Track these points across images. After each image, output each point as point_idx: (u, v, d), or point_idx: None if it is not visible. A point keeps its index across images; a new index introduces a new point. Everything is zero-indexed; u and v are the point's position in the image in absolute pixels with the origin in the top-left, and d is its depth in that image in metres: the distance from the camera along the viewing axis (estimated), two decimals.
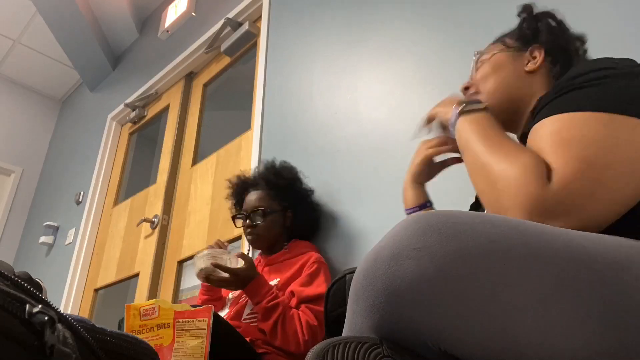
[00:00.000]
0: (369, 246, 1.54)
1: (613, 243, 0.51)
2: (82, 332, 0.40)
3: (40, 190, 4.06)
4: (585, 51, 0.91)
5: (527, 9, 0.93)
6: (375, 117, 1.69)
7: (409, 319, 0.47)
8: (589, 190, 0.57)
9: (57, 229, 3.45)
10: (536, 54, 0.88)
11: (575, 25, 0.92)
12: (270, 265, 1.53)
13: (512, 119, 0.87)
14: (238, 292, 1.47)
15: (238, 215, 1.61)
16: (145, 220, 2.64)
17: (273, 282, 1.41)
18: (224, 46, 2.60)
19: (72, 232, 3.24)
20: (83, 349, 0.39)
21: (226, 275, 1.27)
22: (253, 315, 1.36)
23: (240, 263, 1.31)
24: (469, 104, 0.77)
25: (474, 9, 1.53)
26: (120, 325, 1.20)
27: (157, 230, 2.59)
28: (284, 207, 1.59)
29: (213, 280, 1.29)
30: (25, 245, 3.82)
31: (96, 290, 2.91)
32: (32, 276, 0.46)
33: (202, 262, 1.29)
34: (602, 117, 0.61)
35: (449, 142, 0.99)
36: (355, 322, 0.53)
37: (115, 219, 3.05)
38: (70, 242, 3.20)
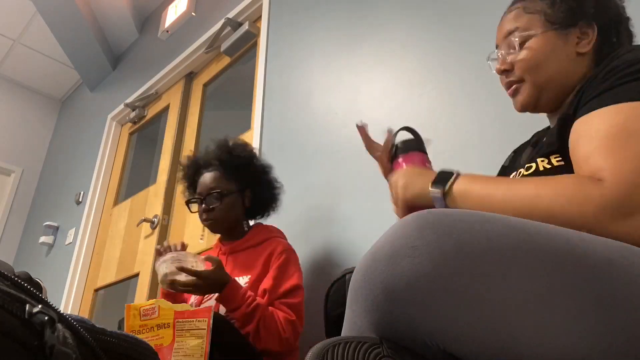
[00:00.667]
0: (369, 246, 1.53)
1: (610, 243, 0.51)
2: (82, 332, 0.40)
3: (40, 190, 4.06)
4: (629, 20, 0.83)
5: None
6: (375, 117, 1.69)
7: (407, 318, 0.47)
8: None
9: (57, 229, 3.45)
10: (587, 31, 0.79)
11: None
12: (234, 253, 1.46)
13: (557, 103, 0.82)
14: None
15: (192, 199, 1.51)
16: (145, 220, 2.64)
17: (243, 279, 1.36)
18: (224, 46, 2.60)
19: (72, 232, 3.24)
20: (83, 349, 0.39)
21: (193, 278, 1.17)
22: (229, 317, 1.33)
23: (202, 266, 1.22)
24: (443, 179, 0.71)
25: (474, 9, 1.53)
26: (120, 325, 1.20)
27: (157, 230, 2.59)
28: (241, 187, 1.50)
29: (177, 286, 1.19)
30: (25, 245, 3.82)
31: (96, 291, 2.91)
32: (32, 276, 0.46)
33: (165, 267, 1.18)
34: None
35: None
36: (354, 321, 0.53)
37: (115, 219, 3.05)
38: (70, 242, 3.20)
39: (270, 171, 1.60)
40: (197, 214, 1.51)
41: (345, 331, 0.55)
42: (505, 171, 0.97)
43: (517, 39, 0.81)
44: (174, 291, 1.28)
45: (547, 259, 0.47)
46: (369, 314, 0.50)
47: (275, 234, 1.50)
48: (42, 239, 3.39)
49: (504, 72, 0.84)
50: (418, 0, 1.73)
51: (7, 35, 3.80)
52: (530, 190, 0.61)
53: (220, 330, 1.11)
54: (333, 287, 1.12)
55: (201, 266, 1.22)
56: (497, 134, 1.32)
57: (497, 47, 0.88)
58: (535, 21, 0.81)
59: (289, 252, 1.40)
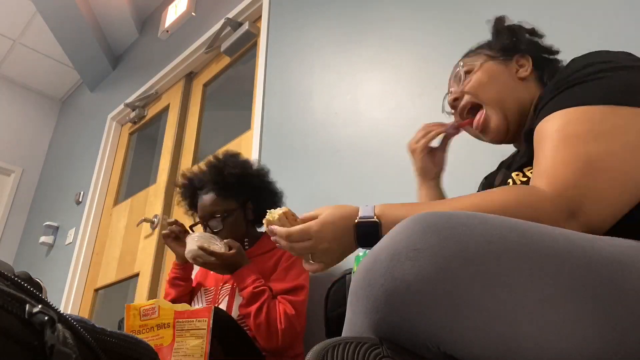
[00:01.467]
0: None
1: (609, 242, 0.51)
2: (82, 332, 0.40)
3: (40, 190, 4.06)
4: (557, 57, 0.92)
5: (501, 21, 0.94)
6: (375, 117, 1.69)
7: (408, 320, 0.47)
8: (599, 185, 0.58)
9: (57, 229, 3.45)
10: (523, 62, 0.88)
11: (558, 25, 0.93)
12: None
13: (520, 123, 0.86)
14: (213, 287, 1.46)
15: (195, 226, 1.54)
16: (145, 220, 2.64)
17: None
18: (224, 46, 2.60)
19: (72, 232, 3.24)
20: (83, 349, 0.39)
21: (212, 258, 1.28)
22: (240, 319, 1.34)
23: (224, 249, 1.32)
24: (364, 224, 0.67)
25: (474, 9, 1.53)
26: (120, 325, 1.20)
27: (157, 230, 2.59)
28: (241, 202, 1.49)
29: (199, 261, 1.31)
30: (25, 245, 3.82)
31: (96, 290, 2.91)
32: (32, 276, 0.46)
33: (192, 244, 1.31)
34: (607, 109, 0.62)
35: (433, 127, 1.00)
36: (354, 322, 0.53)
37: (115, 219, 3.05)
38: (70, 242, 3.20)
39: (265, 175, 1.57)
40: None
41: (346, 332, 0.55)
42: None
43: (463, 73, 0.90)
44: (196, 265, 1.36)
45: (551, 260, 0.47)
46: (369, 315, 0.50)
47: None
48: (42, 239, 3.39)
49: (455, 102, 0.91)
50: (418, 0, 1.73)
51: (7, 35, 3.80)
52: (476, 199, 0.63)
53: (226, 328, 1.12)
54: (333, 287, 1.12)
55: (223, 248, 1.31)
56: None
57: (448, 91, 0.96)
58: (477, 58, 0.91)
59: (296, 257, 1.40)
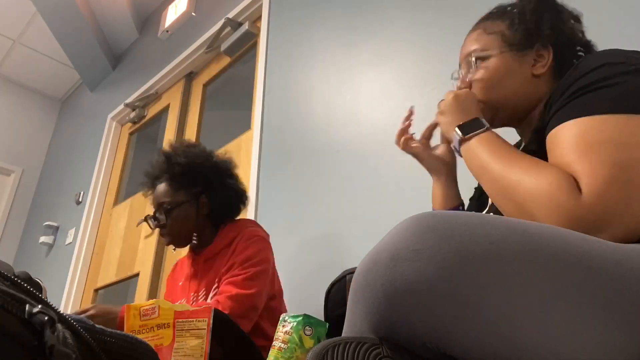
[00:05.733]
0: (369, 247, 1.53)
1: (609, 244, 0.51)
2: (82, 332, 0.40)
3: (40, 190, 4.06)
4: (586, 39, 0.85)
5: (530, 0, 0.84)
6: (375, 118, 1.69)
7: (407, 320, 0.47)
8: (626, 196, 0.55)
9: (57, 229, 3.45)
10: (543, 53, 0.81)
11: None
12: (208, 260, 1.38)
13: (512, 121, 0.86)
14: (183, 300, 1.37)
15: (146, 217, 1.43)
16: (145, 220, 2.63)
17: (215, 288, 1.30)
18: (224, 46, 2.60)
19: (72, 232, 3.24)
20: (83, 349, 0.39)
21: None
22: None
23: None
24: (471, 127, 0.74)
25: (474, 9, 1.53)
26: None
27: (157, 230, 2.58)
28: (193, 195, 1.37)
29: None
30: (25, 245, 3.82)
31: (96, 290, 2.91)
32: (32, 276, 0.46)
33: None
34: (623, 118, 0.60)
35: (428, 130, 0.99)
36: (354, 322, 0.53)
37: (115, 219, 3.05)
38: (70, 242, 3.20)
39: (224, 168, 1.44)
40: None
41: (346, 332, 0.55)
42: (478, 192, 0.98)
43: (474, 59, 0.84)
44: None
45: (551, 261, 0.47)
46: (369, 316, 0.50)
47: (246, 226, 1.37)
48: (42, 239, 3.39)
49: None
50: (418, 0, 1.73)
51: (7, 35, 3.80)
52: (511, 177, 0.64)
53: (225, 329, 1.11)
54: (333, 288, 1.12)
55: None
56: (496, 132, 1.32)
57: (459, 66, 0.91)
58: (493, 42, 0.84)
59: (257, 238, 1.31)
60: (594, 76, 0.64)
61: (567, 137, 0.62)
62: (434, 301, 0.45)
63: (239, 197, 1.45)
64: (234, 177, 1.46)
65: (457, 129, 0.76)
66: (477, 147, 0.72)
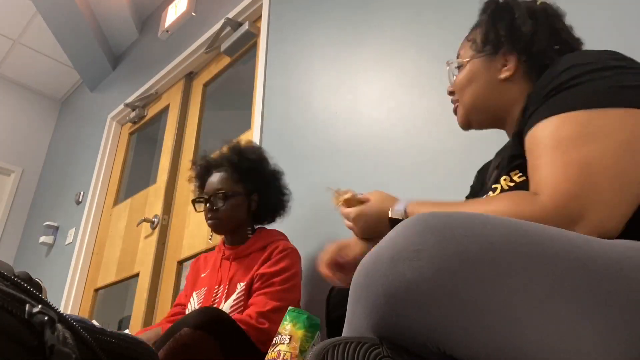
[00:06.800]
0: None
1: (607, 243, 0.51)
2: (82, 332, 0.40)
3: (40, 190, 4.06)
4: (566, 36, 0.84)
5: (490, 5, 0.88)
6: (375, 118, 1.69)
7: (408, 320, 0.47)
8: (590, 190, 0.57)
9: (57, 229, 3.45)
10: (508, 59, 0.83)
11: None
12: (237, 258, 1.47)
13: (493, 122, 0.89)
14: (205, 289, 1.45)
15: (198, 199, 1.53)
16: (145, 220, 2.64)
17: (241, 284, 1.38)
18: (224, 46, 2.60)
19: (72, 232, 3.24)
20: (83, 349, 0.39)
21: None
22: (235, 307, 1.34)
23: None
24: (397, 211, 0.79)
25: (474, 9, 1.53)
26: (120, 325, 1.20)
27: (157, 230, 2.59)
28: (248, 191, 1.50)
29: None
30: (25, 245, 3.82)
31: (96, 290, 2.91)
32: (32, 276, 0.46)
33: None
34: (593, 113, 0.62)
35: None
36: (355, 322, 0.53)
37: (115, 219, 3.05)
38: (70, 242, 3.20)
39: (280, 177, 1.59)
40: (202, 218, 1.54)
41: (346, 332, 0.55)
42: (473, 192, 1.02)
43: (453, 67, 0.92)
44: None
45: (551, 261, 0.47)
46: (370, 316, 0.50)
47: (278, 237, 1.49)
48: (42, 239, 3.39)
49: (450, 94, 0.94)
50: (418, 1, 1.73)
51: (7, 35, 3.80)
52: (479, 207, 0.66)
53: (225, 328, 1.12)
54: (334, 289, 1.12)
55: None
56: (496, 133, 1.32)
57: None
58: (468, 49, 0.90)
59: (291, 250, 1.41)
60: (563, 77, 0.66)
61: (540, 138, 0.65)
62: (434, 301, 0.45)
63: (283, 209, 1.58)
64: (286, 190, 1.61)
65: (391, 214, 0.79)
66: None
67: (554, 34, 0.83)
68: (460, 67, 0.90)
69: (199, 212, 1.53)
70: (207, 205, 1.48)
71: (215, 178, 1.50)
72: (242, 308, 1.33)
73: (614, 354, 0.45)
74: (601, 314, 0.45)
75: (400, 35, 1.73)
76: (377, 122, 1.67)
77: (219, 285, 1.44)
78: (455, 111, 0.92)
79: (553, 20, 0.84)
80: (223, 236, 1.57)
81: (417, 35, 1.67)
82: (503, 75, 0.84)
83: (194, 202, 1.54)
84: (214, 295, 1.42)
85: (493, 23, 0.86)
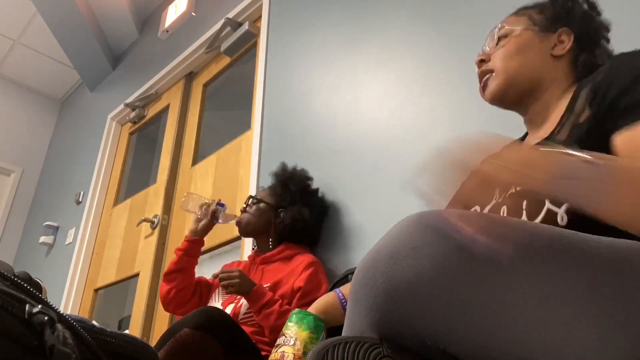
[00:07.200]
0: (369, 246, 1.52)
1: (609, 242, 0.51)
2: (82, 332, 0.40)
3: (40, 190, 4.06)
4: (607, 39, 0.87)
5: None
6: (375, 117, 1.68)
7: (408, 318, 0.47)
8: None
9: (57, 229, 3.45)
10: (564, 38, 0.83)
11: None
12: (265, 263, 1.53)
13: (524, 100, 0.85)
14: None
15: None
16: (145, 220, 2.64)
17: (267, 285, 1.42)
18: (224, 46, 2.60)
19: (72, 232, 3.24)
20: (83, 349, 0.39)
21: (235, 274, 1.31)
22: (249, 316, 1.36)
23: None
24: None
25: (474, 9, 1.53)
26: (120, 325, 1.20)
27: (157, 230, 2.59)
28: (276, 204, 1.59)
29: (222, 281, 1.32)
30: (25, 245, 3.82)
31: (96, 290, 2.91)
32: (32, 276, 0.46)
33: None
34: None
35: None
36: (355, 321, 0.53)
37: (115, 219, 3.05)
38: (70, 242, 3.20)
39: (314, 205, 1.62)
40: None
41: (346, 331, 0.55)
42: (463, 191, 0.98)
43: (498, 32, 0.87)
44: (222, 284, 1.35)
45: (550, 260, 0.47)
46: (370, 314, 0.50)
47: (304, 250, 1.55)
48: (42, 239, 3.39)
49: (481, 62, 0.88)
50: (418, 0, 1.73)
51: (7, 35, 3.80)
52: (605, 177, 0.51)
53: (225, 328, 1.12)
54: (335, 287, 1.12)
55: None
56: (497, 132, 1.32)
57: (482, 48, 0.93)
58: (519, 21, 0.87)
59: (317, 264, 1.45)
60: None
61: None
62: (433, 298, 0.45)
63: (307, 233, 1.58)
64: (317, 216, 1.63)
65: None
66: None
67: (606, 40, 0.86)
68: (506, 36, 0.86)
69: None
70: (244, 206, 1.61)
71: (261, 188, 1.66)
72: None
73: (614, 354, 0.45)
74: (601, 313, 0.45)
75: (400, 35, 1.73)
76: (377, 122, 1.67)
77: None
78: (484, 82, 0.86)
79: (608, 29, 0.87)
80: (255, 246, 1.66)
81: (418, 35, 1.67)
82: (556, 52, 0.83)
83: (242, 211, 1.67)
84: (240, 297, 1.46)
85: (565, 2, 0.86)
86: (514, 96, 0.84)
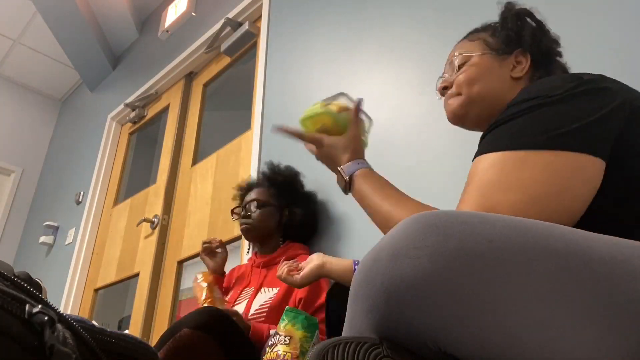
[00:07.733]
0: (369, 246, 1.52)
1: (609, 241, 0.51)
2: (82, 332, 0.40)
3: (40, 190, 4.06)
4: (560, 53, 0.90)
5: (509, 8, 0.90)
6: (376, 117, 1.68)
7: (408, 319, 0.47)
8: None
9: (57, 229, 3.45)
10: (521, 59, 0.86)
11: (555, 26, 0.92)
12: (267, 266, 1.53)
13: (487, 120, 0.86)
14: (252, 288, 1.48)
15: (235, 208, 1.68)
16: (145, 220, 2.64)
17: (272, 290, 1.42)
18: (224, 46, 2.60)
19: (72, 232, 3.24)
20: (83, 349, 0.39)
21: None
22: (260, 312, 1.36)
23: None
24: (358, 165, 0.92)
25: (474, 9, 1.53)
26: (120, 325, 1.20)
27: (157, 230, 2.59)
28: (280, 204, 1.60)
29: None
30: (25, 245, 3.82)
31: (96, 290, 2.91)
32: (32, 276, 0.46)
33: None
34: (519, 156, 0.62)
35: None
36: (355, 322, 0.53)
37: (115, 219, 3.05)
38: (70, 242, 3.20)
39: (312, 198, 1.68)
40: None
41: (346, 331, 0.55)
42: None
43: (457, 60, 0.89)
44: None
45: (551, 260, 0.47)
46: (369, 314, 0.50)
47: (306, 251, 1.56)
48: (42, 239, 3.39)
49: (444, 90, 0.91)
50: (418, 0, 1.73)
51: (7, 35, 3.80)
52: (388, 209, 0.81)
53: (225, 328, 1.12)
54: (335, 288, 1.12)
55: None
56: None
57: (442, 76, 0.95)
58: (476, 46, 0.90)
59: None
60: (511, 110, 0.67)
61: (474, 172, 0.67)
62: (433, 299, 0.45)
63: (310, 226, 1.64)
64: (316, 209, 1.68)
65: (345, 164, 0.96)
66: (365, 182, 0.93)
67: (557, 44, 0.89)
68: (464, 63, 0.88)
69: (235, 220, 1.67)
70: (243, 212, 1.59)
71: (252, 192, 1.63)
72: (265, 314, 1.35)
73: (613, 354, 0.45)
74: (601, 313, 0.45)
75: (401, 34, 1.73)
76: (377, 122, 1.67)
77: (248, 287, 1.50)
78: (447, 104, 0.90)
79: (558, 43, 0.90)
80: (256, 249, 1.65)
81: (418, 34, 1.67)
82: (515, 74, 0.85)
83: (232, 211, 1.68)
84: (241, 295, 1.47)
85: (514, 24, 0.88)
86: (477, 116, 0.87)
